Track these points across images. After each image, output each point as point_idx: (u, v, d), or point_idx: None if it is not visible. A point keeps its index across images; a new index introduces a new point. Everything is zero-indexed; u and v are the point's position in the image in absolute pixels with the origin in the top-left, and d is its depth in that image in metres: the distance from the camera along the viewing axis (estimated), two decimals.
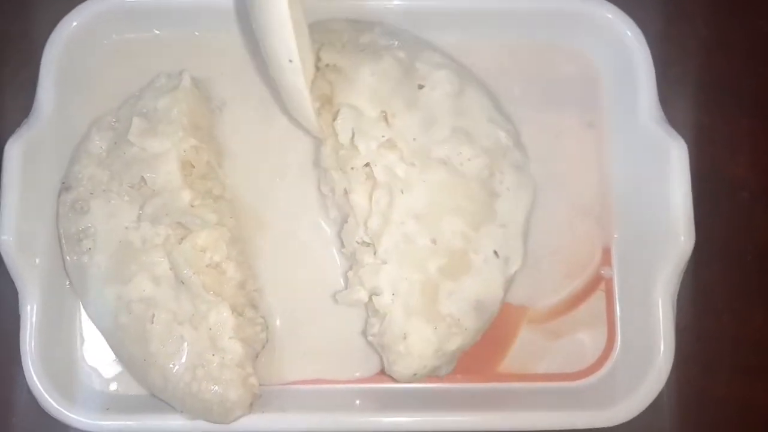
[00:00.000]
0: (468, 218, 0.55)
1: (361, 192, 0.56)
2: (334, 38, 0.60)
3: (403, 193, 0.55)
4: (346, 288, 0.58)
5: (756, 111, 0.64)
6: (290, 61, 0.52)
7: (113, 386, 0.58)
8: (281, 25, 0.51)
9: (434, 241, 0.55)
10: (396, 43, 0.60)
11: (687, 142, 0.56)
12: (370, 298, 0.55)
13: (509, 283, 0.56)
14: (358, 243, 0.56)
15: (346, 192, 0.56)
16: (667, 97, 0.58)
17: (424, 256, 0.54)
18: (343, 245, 0.58)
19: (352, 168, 0.56)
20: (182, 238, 0.54)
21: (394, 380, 0.56)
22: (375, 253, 0.55)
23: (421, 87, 0.58)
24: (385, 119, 0.56)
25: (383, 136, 0.56)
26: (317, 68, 0.57)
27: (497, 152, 0.57)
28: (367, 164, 0.56)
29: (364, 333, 0.58)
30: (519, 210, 0.57)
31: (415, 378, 0.55)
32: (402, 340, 0.54)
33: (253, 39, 0.55)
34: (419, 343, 0.54)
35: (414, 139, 0.56)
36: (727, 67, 0.65)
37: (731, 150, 0.64)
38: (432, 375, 0.56)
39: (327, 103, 0.57)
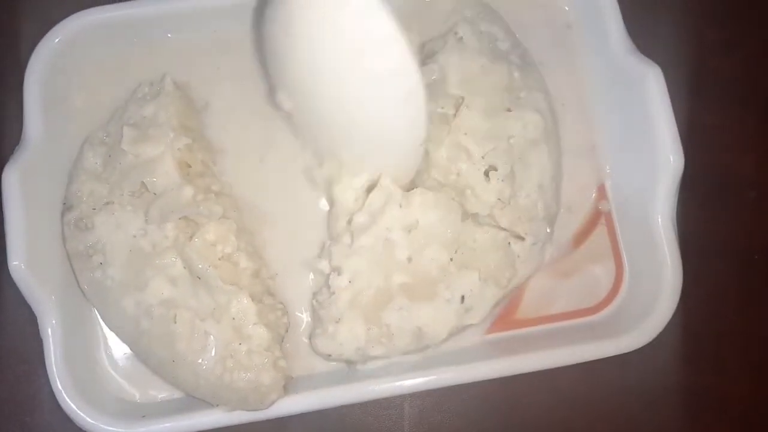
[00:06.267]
0: (457, 257, 0.55)
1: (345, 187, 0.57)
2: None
3: (401, 207, 0.55)
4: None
5: (762, 111, 0.65)
6: (420, 145, 0.49)
7: (145, 393, 0.58)
8: (418, 110, 0.47)
9: (409, 260, 0.55)
10: (514, 50, 0.59)
11: (695, 143, 0.57)
12: (330, 274, 0.56)
13: (457, 330, 0.56)
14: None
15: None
16: (674, 98, 0.58)
17: (394, 269, 0.55)
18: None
19: None
20: (191, 236, 0.55)
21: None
22: (351, 244, 0.55)
23: (508, 111, 0.57)
24: (455, 108, 0.56)
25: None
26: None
27: (528, 216, 0.57)
28: None
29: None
30: (513, 277, 0.56)
31: (328, 358, 0.56)
32: (334, 323, 0.55)
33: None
34: (347, 333, 0.54)
35: (465, 159, 0.55)
36: (734, 68, 0.65)
37: (738, 150, 0.64)
38: (345, 363, 0.57)
39: None
